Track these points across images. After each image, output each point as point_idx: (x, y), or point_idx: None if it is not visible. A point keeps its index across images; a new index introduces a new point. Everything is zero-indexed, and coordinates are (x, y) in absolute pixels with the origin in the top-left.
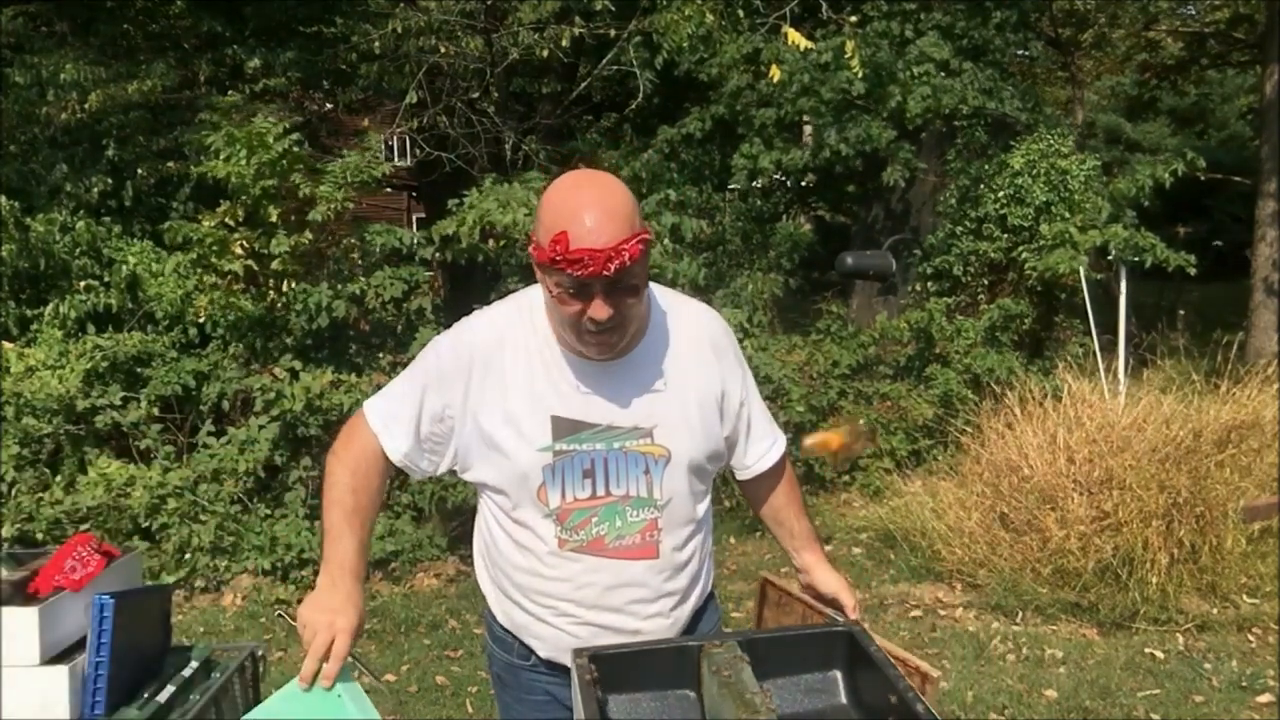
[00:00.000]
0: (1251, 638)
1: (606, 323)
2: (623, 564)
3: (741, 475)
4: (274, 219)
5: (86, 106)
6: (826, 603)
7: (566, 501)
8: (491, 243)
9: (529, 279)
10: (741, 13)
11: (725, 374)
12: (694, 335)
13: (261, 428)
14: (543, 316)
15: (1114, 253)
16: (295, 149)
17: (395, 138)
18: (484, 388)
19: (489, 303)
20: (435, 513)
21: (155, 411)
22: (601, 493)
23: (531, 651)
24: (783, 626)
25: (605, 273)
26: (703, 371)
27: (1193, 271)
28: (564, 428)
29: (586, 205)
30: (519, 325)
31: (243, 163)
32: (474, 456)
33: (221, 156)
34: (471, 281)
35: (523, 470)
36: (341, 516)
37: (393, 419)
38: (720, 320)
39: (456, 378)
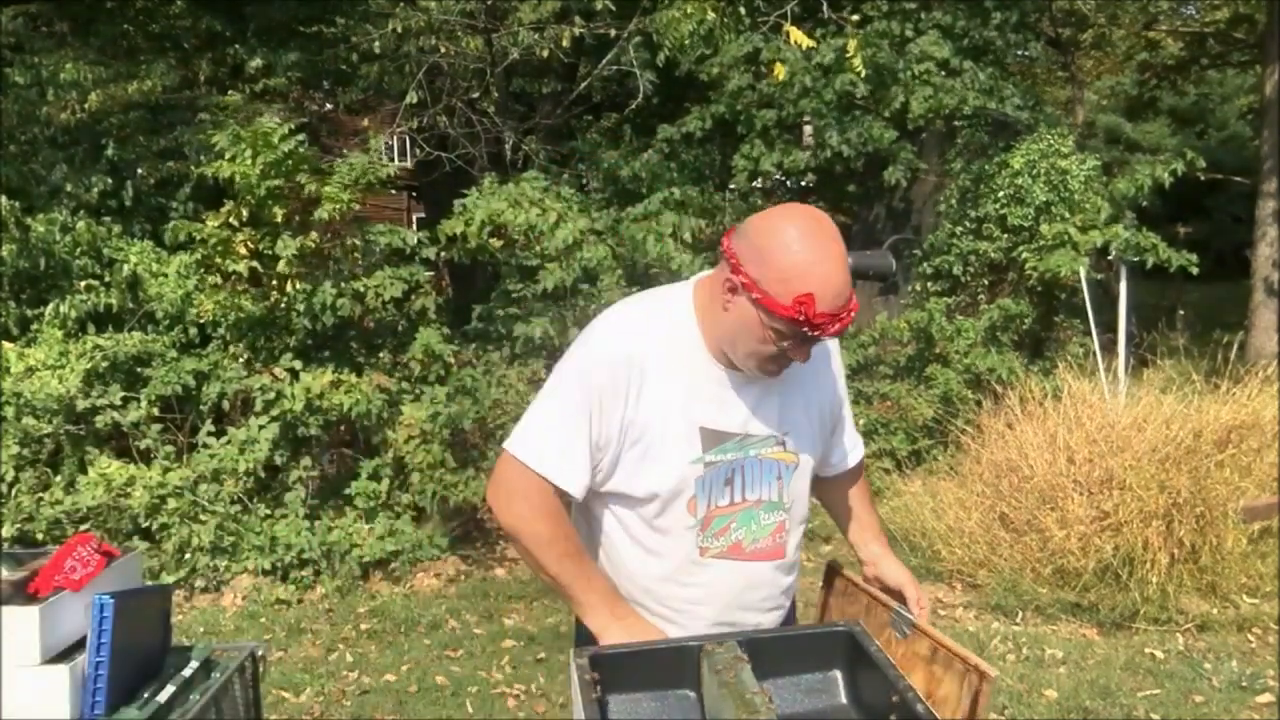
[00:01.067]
0: (1251, 638)
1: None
2: (756, 565)
3: (825, 473)
4: (279, 219)
5: (86, 106)
6: (891, 594)
7: (710, 510)
8: (494, 241)
9: (528, 279)
10: (743, 10)
11: (835, 380)
12: (820, 346)
13: (261, 428)
14: (692, 327)
15: (1114, 253)
16: (300, 149)
17: (395, 138)
18: (640, 402)
19: (489, 303)
20: (435, 513)
21: (155, 411)
22: (739, 499)
23: None
24: (782, 626)
25: (836, 335)
26: (820, 380)
27: (1195, 271)
28: (711, 439)
29: (832, 269)
30: (668, 336)
31: (248, 162)
32: (625, 470)
33: (227, 156)
34: (472, 281)
35: (676, 483)
36: (577, 563)
37: (563, 458)
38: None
39: (617, 397)
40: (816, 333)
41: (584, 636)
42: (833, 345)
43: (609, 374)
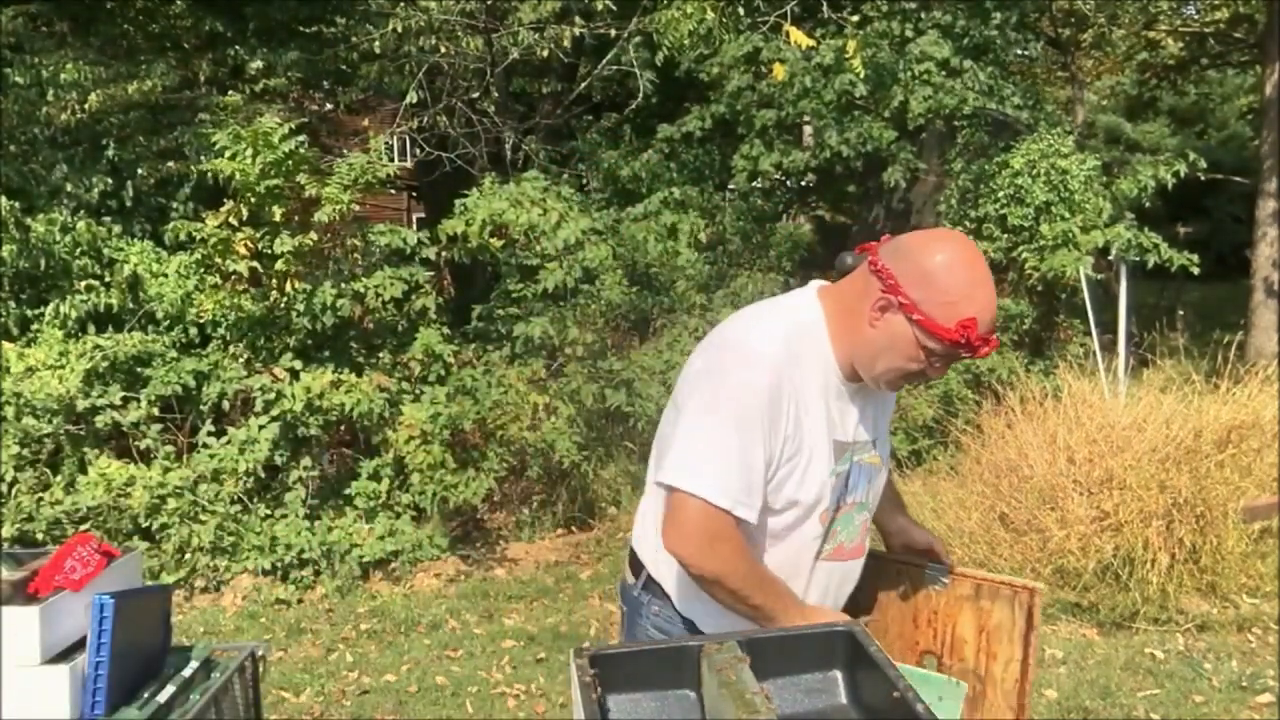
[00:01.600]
0: (1251, 638)
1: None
2: (851, 563)
3: None
4: (278, 218)
5: (86, 106)
6: (919, 554)
7: (835, 516)
8: (495, 241)
9: (529, 279)
10: (742, 11)
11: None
12: None
13: (261, 428)
14: (825, 342)
15: (1115, 253)
16: (300, 149)
17: (395, 138)
18: (797, 420)
19: (489, 303)
20: (435, 513)
21: (155, 411)
22: (846, 501)
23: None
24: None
25: (984, 356)
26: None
27: (1196, 271)
28: (839, 450)
29: (990, 294)
30: (811, 348)
31: (248, 162)
32: (773, 484)
33: (227, 155)
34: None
35: (817, 496)
36: (774, 585)
37: (749, 493)
38: None
39: (781, 418)
40: (972, 354)
41: (634, 636)
42: None
43: (773, 396)
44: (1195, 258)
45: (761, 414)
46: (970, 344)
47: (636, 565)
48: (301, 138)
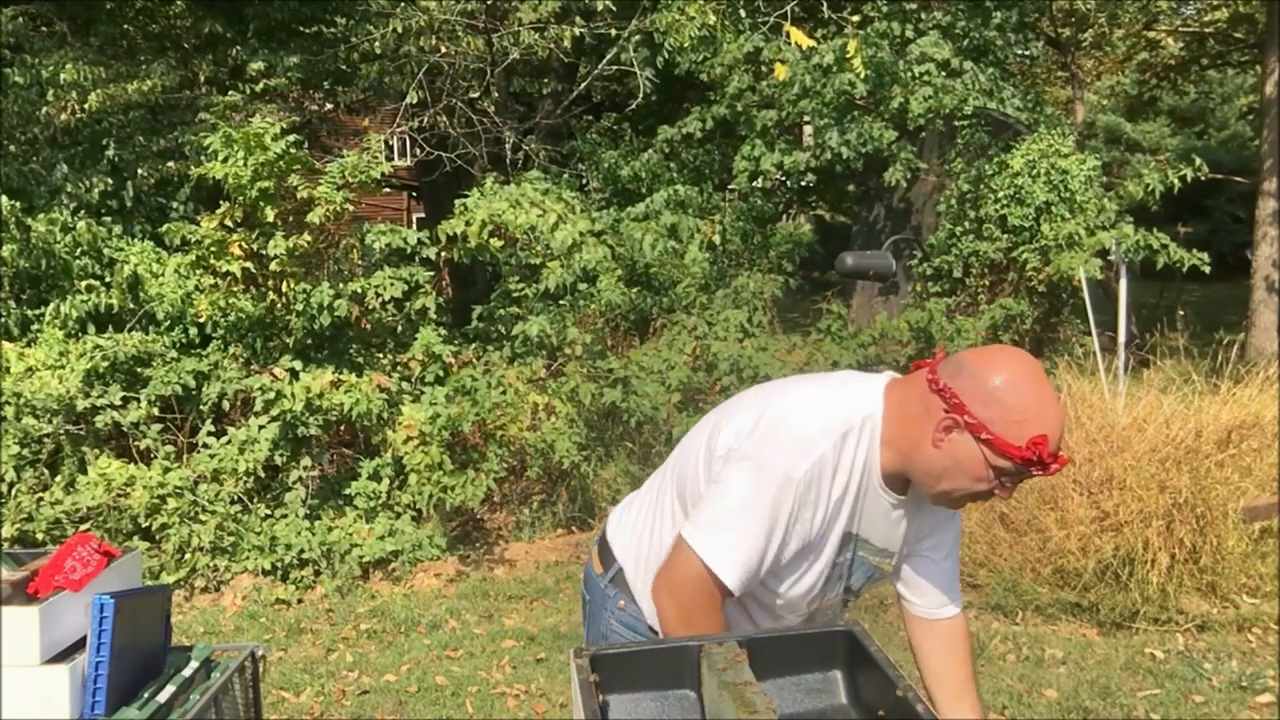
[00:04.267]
0: (1251, 638)
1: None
2: None
3: (916, 608)
4: (271, 219)
5: (86, 106)
6: None
7: (824, 602)
8: (495, 241)
9: (529, 280)
10: (743, 12)
11: (943, 518)
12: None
13: (261, 428)
14: (876, 449)
15: (1116, 253)
16: (293, 149)
17: (395, 138)
18: (816, 506)
19: (489, 303)
20: (435, 513)
21: (155, 411)
22: (843, 590)
23: None
24: (782, 626)
25: (1054, 474)
26: (935, 513)
27: (1206, 270)
28: (845, 541)
29: (1059, 411)
30: (860, 446)
31: (240, 164)
32: (776, 568)
33: (220, 158)
34: (473, 281)
35: (811, 585)
36: None
37: (745, 572)
38: None
39: (814, 510)
40: (1043, 472)
41: (594, 638)
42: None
43: (814, 486)
44: (1205, 256)
45: (793, 511)
46: (1043, 461)
47: (608, 557)
48: (294, 137)
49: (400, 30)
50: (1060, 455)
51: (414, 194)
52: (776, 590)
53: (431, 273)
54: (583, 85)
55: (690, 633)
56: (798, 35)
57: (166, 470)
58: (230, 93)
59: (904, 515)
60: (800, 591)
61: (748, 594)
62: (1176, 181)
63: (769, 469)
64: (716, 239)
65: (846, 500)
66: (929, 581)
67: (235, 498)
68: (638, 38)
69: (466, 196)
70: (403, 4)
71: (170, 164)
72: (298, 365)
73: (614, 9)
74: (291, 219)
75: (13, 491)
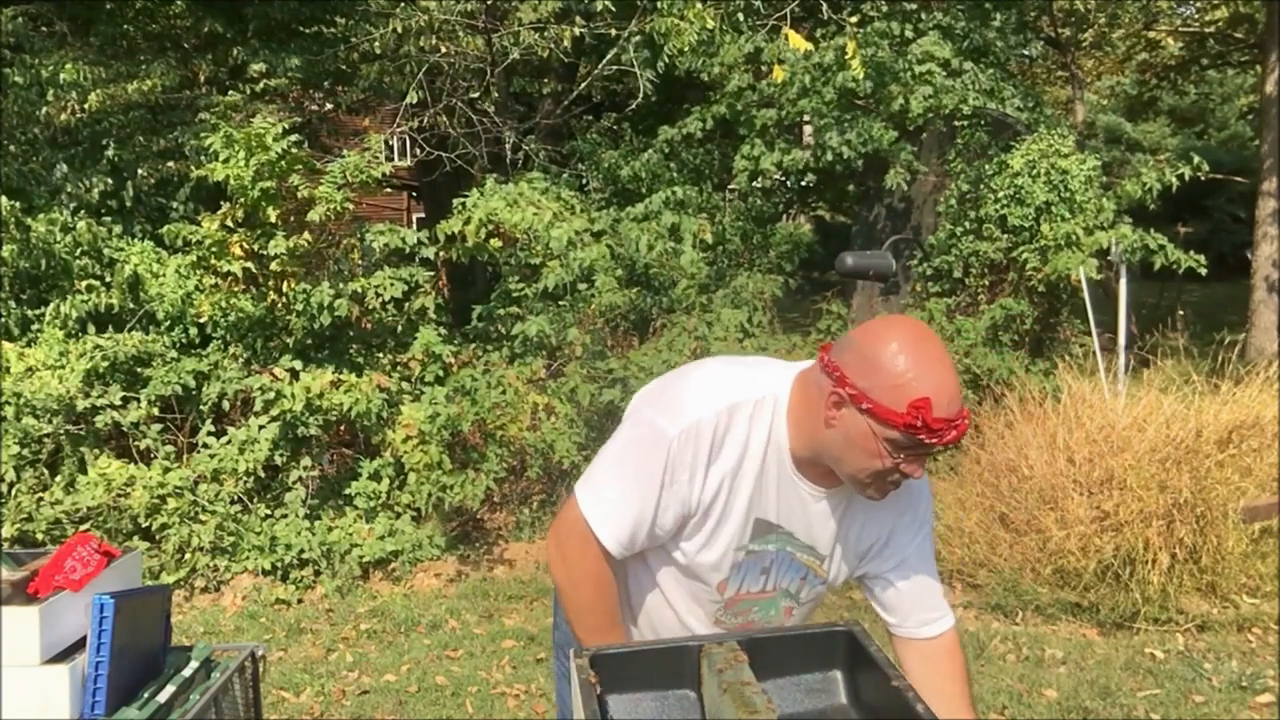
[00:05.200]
0: (1251, 638)
1: (914, 479)
2: None
3: (901, 630)
4: (273, 220)
5: (86, 106)
6: None
7: (740, 593)
8: (494, 241)
9: (529, 280)
10: (741, 15)
11: (898, 528)
12: (910, 499)
13: (261, 428)
14: (781, 429)
15: (1115, 253)
16: (294, 150)
17: (395, 138)
18: (709, 481)
19: (489, 303)
20: (434, 513)
21: (155, 411)
22: (770, 587)
23: None
24: (781, 626)
25: (952, 443)
26: (881, 522)
27: (1203, 272)
28: (761, 529)
29: (945, 374)
30: (758, 424)
31: (241, 164)
32: (674, 537)
33: (220, 158)
34: (472, 281)
35: (715, 563)
36: (612, 637)
37: (625, 535)
38: (923, 485)
39: (694, 471)
40: (933, 439)
41: (564, 634)
42: (915, 497)
43: (689, 448)
44: (1202, 258)
45: (666, 464)
46: (929, 427)
47: None
48: (294, 137)
49: (400, 30)
50: (957, 421)
51: (414, 194)
52: (686, 552)
53: (431, 273)
54: (583, 85)
55: (569, 579)
56: (796, 39)
57: (166, 470)
58: (230, 93)
59: (831, 512)
60: (708, 560)
61: (666, 567)
62: (1175, 181)
63: (644, 424)
64: (708, 238)
65: (744, 477)
66: (902, 599)
67: (235, 498)
68: (638, 38)
69: (466, 197)
70: (403, 4)
71: (170, 164)
72: (298, 365)
73: (614, 9)
74: (292, 219)
75: (13, 491)
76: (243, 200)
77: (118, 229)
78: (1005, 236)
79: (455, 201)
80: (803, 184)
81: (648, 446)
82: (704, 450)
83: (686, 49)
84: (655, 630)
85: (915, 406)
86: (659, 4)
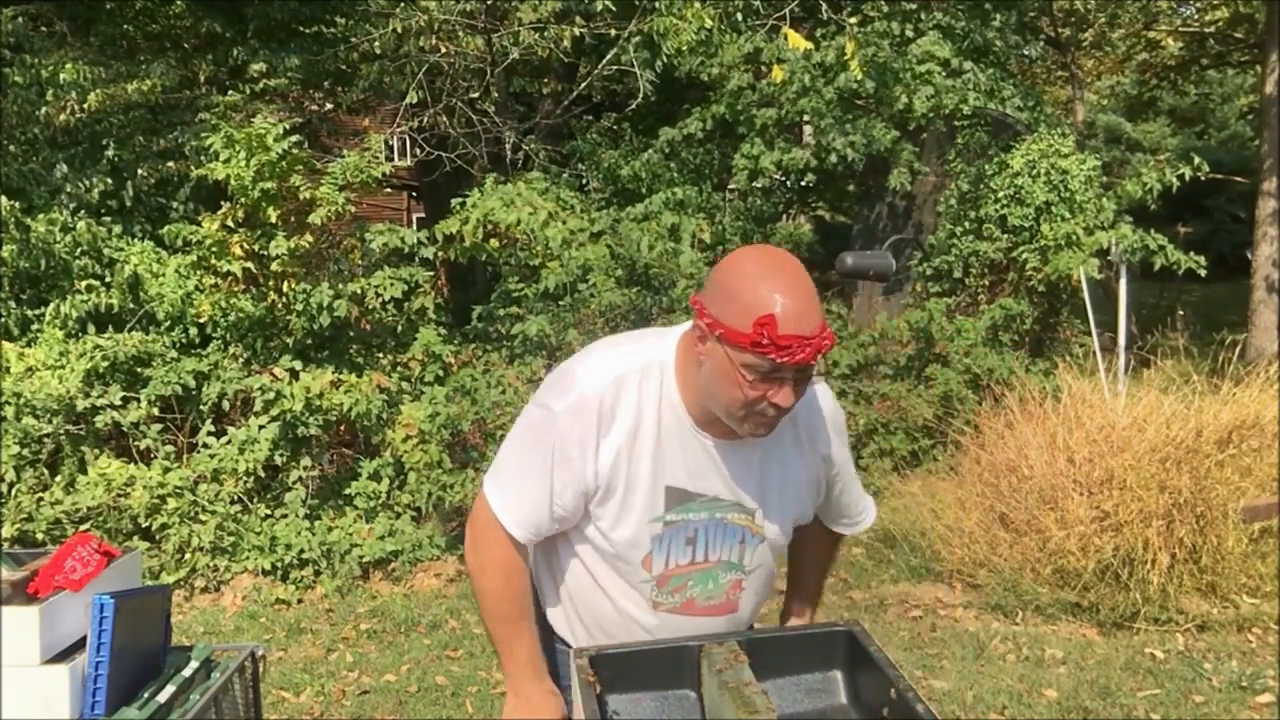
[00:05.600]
0: (1251, 638)
1: (786, 409)
2: (707, 619)
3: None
4: (273, 220)
5: (86, 106)
6: None
7: (669, 568)
8: (493, 242)
9: (529, 280)
10: (740, 16)
11: (828, 457)
12: (806, 420)
13: (261, 428)
14: (674, 384)
15: (1115, 253)
16: (295, 150)
17: (395, 138)
18: (609, 451)
19: (489, 303)
20: (434, 512)
21: (155, 411)
22: (700, 559)
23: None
24: (782, 626)
25: (811, 360)
26: (810, 459)
27: (1203, 273)
28: (675, 497)
29: (792, 289)
30: (646, 386)
31: (242, 164)
32: (588, 518)
33: (221, 158)
34: (472, 281)
35: (631, 538)
36: (512, 628)
37: (526, 518)
38: (830, 399)
39: (584, 448)
40: (784, 358)
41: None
42: (829, 417)
43: (577, 423)
44: (1202, 259)
45: (555, 443)
46: (775, 344)
47: None
48: (295, 137)
49: (400, 30)
50: (811, 339)
51: (414, 194)
52: (602, 531)
53: (431, 273)
54: (583, 85)
55: (477, 566)
56: (795, 39)
57: (166, 470)
58: (230, 93)
59: (748, 462)
60: (624, 536)
61: (591, 553)
62: (1175, 181)
63: (535, 408)
64: (707, 237)
65: (641, 445)
66: (831, 507)
67: (235, 498)
68: (638, 38)
69: (466, 197)
70: (403, 4)
71: (170, 164)
72: (298, 365)
73: (614, 9)
74: (293, 219)
75: (13, 491)
76: (243, 200)
77: (118, 229)
78: (1005, 236)
79: (454, 201)
80: (803, 184)
81: (538, 429)
82: (592, 424)
83: (685, 49)
84: (598, 623)
85: (760, 324)
86: (658, 4)
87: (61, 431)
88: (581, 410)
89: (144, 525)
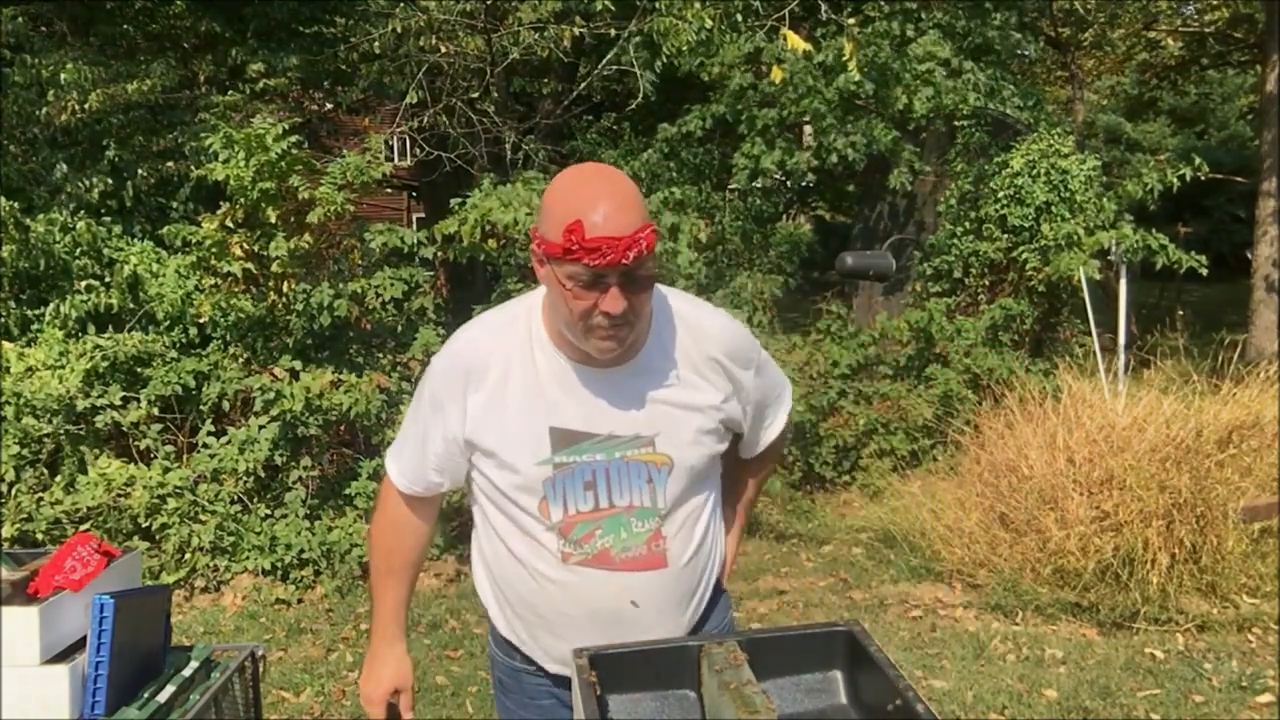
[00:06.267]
0: (1251, 638)
1: (620, 317)
2: (631, 576)
3: (745, 455)
4: (273, 220)
5: (86, 106)
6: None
7: (569, 515)
8: (492, 242)
9: (529, 280)
10: (740, 16)
11: (737, 382)
12: (704, 344)
13: (261, 428)
14: (540, 323)
15: (1115, 253)
16: (294, 150)
17: (395, 138)
18: (479, 402)
19: (489, 303)
20: None
21: (155, 411)
22: (605, 505)
23: (535, 660)
24: (781, 626)
25: (624, 261)
26: (711, 381)
27: (1204, 272)
28: (563, 439)
29: (600, 195)
30: (514, 333)
31: (241, 165)
32: (475, 471)
33: (220, 159)
34: (472, 281)
35: (522, 484)
36: (383, 584)
37: (406, 466)
38: (736, 328)
39: (453, 399)
40: (595, 260)
41: (497, 639)
42: (734, 345)
43: (444, 379)
44: (1204, 259)
45: (431, 400)
46: (585, 247)
47: None
48: (295, 138)
49: (400, 30)
50: (622, 240)
51: (414, 194)
52: (492, 480)
53: (431, 273)
54: (583, 85)
55: (374, 521)
56: (794, 40)
57: (166, 470)
58: (230, 93)
59: (636, 387)
60: (512, 481)
61: (496, 513)
62: (1175, 181)
63: (425, 378)
64: (703, 237)
65: (512, 384)
66: (752, 431)
67: (235, 498)
68: (638, 38)
69: (466, 197)
70: (403, 4)
71: (170, 164)
72: (298, 365)
73: (614, 9)
74: (293, 219)
75: (13, 491)
76: (243, 201)
77: (117, 229)
78: (1005, 236)
79: (453, 202)
80: (803, 184)
81: (420, 387)
82: (460, 376)
83: (685, 48)
84: (520, 596)
85: (569, 231)
86: (658, 4)
87: (61, 431)
88: (452, 365)
89: (144, 525)
